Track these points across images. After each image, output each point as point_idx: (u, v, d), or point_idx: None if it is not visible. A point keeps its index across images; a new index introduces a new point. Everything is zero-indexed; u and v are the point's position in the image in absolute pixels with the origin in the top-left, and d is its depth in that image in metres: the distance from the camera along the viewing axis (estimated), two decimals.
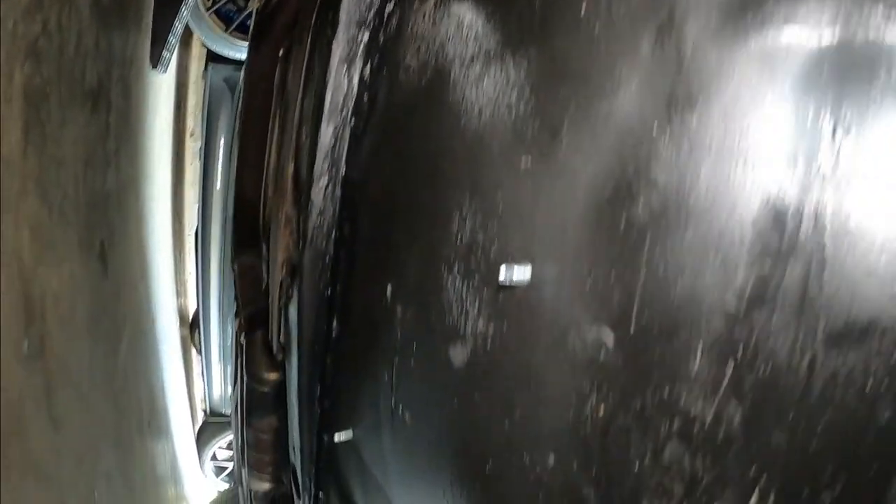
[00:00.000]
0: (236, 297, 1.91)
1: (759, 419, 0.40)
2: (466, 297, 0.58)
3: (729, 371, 0.42)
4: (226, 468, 3.39)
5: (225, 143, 3.04)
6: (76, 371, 1.44)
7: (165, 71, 2.63)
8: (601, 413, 0.46)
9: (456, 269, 0.59)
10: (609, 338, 0.46)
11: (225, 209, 2.68)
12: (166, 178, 3.12)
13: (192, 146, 3.74)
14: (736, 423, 0.41)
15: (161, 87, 2.85)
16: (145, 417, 2.15)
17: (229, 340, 2.79)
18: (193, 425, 3.50)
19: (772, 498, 0.39)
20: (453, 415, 0.60)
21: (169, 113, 3.18)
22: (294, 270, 1.14)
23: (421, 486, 0.71)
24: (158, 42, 2.33)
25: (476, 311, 0.56)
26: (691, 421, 0.42)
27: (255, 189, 1.81)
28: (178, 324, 3.53)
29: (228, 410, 2.96)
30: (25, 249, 1.19)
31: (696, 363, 0.42)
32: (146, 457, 2.11)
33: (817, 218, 0.37)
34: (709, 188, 0.42)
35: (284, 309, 1.20)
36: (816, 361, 0.37)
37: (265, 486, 1.63)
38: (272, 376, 1.50)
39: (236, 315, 1.93)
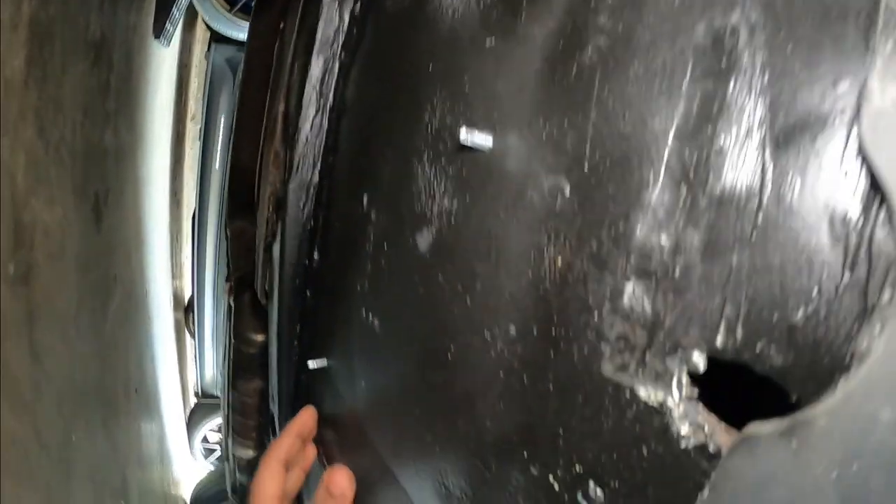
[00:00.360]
0: (228, 262, 1.92)
1: (717, 241, 0.40)
2: (434, 181, 0.59)
3: (683, 194, 0.42)
4: (215, 450, 3.38)
5: (225, 124, 3.07)
6: (62, 311, 1.45)
7: (168, 44, 2.66)
8: (559, 263, 0.46)
9: (425, 156, 0.60)
10: (565, 184, 0.47)
11: (223, 191, 2.71)
12: (165, 157, 3.14)
13: (193, 129, 3.77)
14: (694, 250, 0.41)
15: (163, 62, 2.88)
16: (133, 383, 2.15)
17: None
18: (185, 410, 3.50)
19: (739, 329, 0.39)
20: (417, 306, 0.61)
21: (170, 91, 3.20)
22: (279, 204, 1.16)
23: (388, 397, 0.72)
24: (162, 13, 2.36)
25: (442, 190, 0.58)
26: (648, 253, 0.43)
27: (252, 157, 1.82)
28: (173, 306, 3.53)
29: (220, 391, 2.97)
30: (19, 174, 1.21)
31: (649, 191, 0.43)
32: (132, 423, 2.11)
33: (753, 33, 0.39)
34: (652, 23, 0.44)
35: (269, 249, 1.22)
36: (766, 169, 0.38)
37: (249, 453, 1.63)
38: (259, 338, 1.52)
39: (227, 279, 1.94)
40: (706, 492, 0.39)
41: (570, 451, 0.47)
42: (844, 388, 0.32)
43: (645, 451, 0.43)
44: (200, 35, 3.65)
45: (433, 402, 0.62)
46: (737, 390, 0.43)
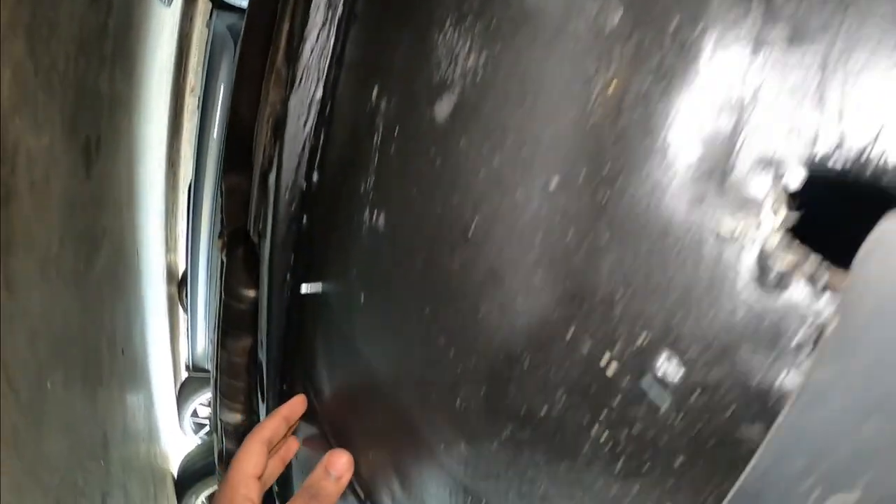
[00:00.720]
0: (221, 217, 1.84)
1: (804, 28, 0.34)
2: (457, 44, 0.51)
3: None
4: (205, 425, 3.30)
5: (225, 93, 2.98)
6: (42, 248, 1.36)
7: (169, 5, 2.59)
8: (612, 89, 0.38)
9: (448, 22, 0.52)
10: (617, 8, 0.39)
11: (219, 163, 2.63)
12: (163, 120, 3.06)
13: (192, 103, 3.70)
14: (781, 40, 0.34)
15: (164, 25, 2.80)
16: (119, 342, 2.06)
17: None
18: (175, 384, 3.42)
19: (844, 125, 0.32)
20: (433, 182, 0.52)
21: (170, 59, 3.13)
22: (278, 125, 1.08)
23: (391, 303, 0.63)
24: None
25: (466, 50, 0.49)
26: (725, 56, 0.35)
27: (251, 110, 1.75)
28: (167, 280, 3.45)
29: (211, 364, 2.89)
30: (5, 87, 1.12)
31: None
32: (115, 383, 2.02)
33: None
34: None
35: (265, 180, 1.13)
36: None
37: (237, 417, 1.54)
38: (251, 293, 1.43)
39: (220, 235, 1.86)
40: (828, 321, 0.31)
41: (632, 317, 0.39)
42: None
43: (733, 300, 0.35)
44: (202, 7, 3.57)
45: (448, 293, 0.52)
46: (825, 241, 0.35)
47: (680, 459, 0.38)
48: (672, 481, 0.39)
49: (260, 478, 0.68)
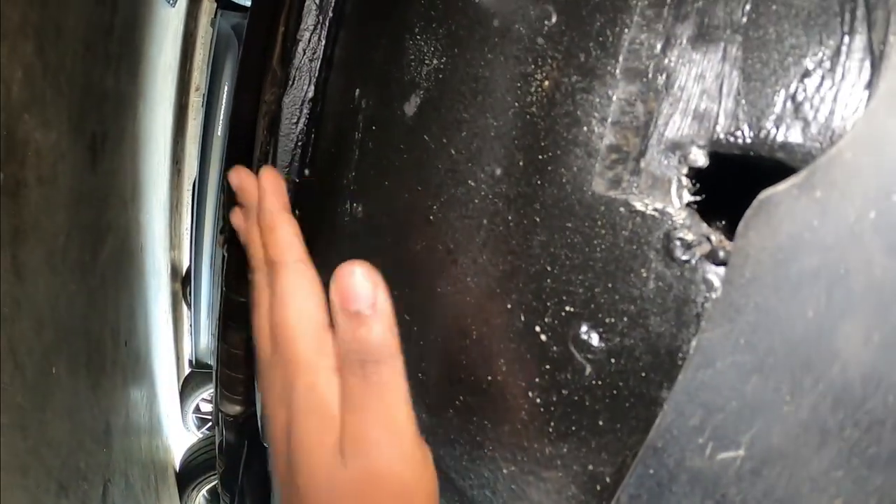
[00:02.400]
0: (224, 213, 1.89)
1: (708, 27, 0.38)
2: (424, 45, 0.56)
3: None
4: (207, 420, 3.35)
5: (229, 91, 3.03)
6: (50, 239, 1.42)
7: (174, 5, 2.64)
8: (546, 85, 0.43)
9: (417, 28, 0.57)
10: (551, 9, 0.44)
11: (223, 160, 2.68)
12: (168, 117, 3.11)
13: (197, 101, 3.75)
14: (686, 39, 0.39)
15: (169, 24, 2.85)
16: (122, 335, 2.12)
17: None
18: (179, 381, 3.47)
19: (741, 112, 0.36)
20: (401, 174, 0.57)
21: (175, 58, 3.18)
22: (273, 122, 1.13)
23: None
24: None
25: (431, 51, 0.54)
26: (638, 52, 0.40)
27: (253, 110, 1.80)
28: (171, 277, 3.51)
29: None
30: (15, 86, 1.17)
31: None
32: (119, 374, 2.07)
33: None
34: None
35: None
36: None
37: (236, 408, 1.59)
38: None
39: (221, 231, 1.91)
40: (719, 289, 0.35)
41: (558, 291, 0.43)
42: (867, 108, 0.28)
43: (644, 273, 0.40)
44: (207, 6, 3.63)
45: (412, 274, 0.57)
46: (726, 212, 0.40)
47: (602, 420, 0.42)
48: (596, 440, 0.43)
49: (330, 326, 0.43)
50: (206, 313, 3.29)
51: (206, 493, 2.93)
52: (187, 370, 3.50)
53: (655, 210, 0.39)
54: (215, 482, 2.72)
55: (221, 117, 3.05)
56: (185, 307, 3.61)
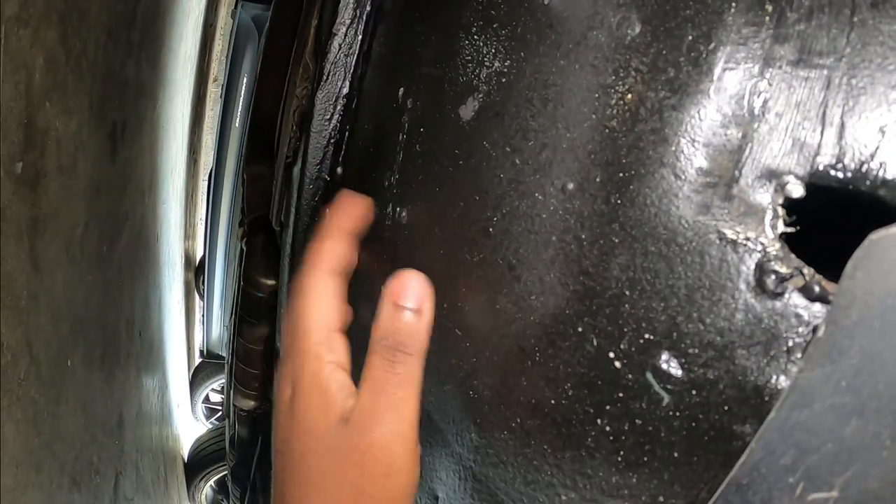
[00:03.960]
0: (242, 206, 1.87)
1: (810, 50, 0.36)
2: (484, 46, 0.53)
3: (769, 9, 0.37)
4: (217, 410, 3.35)
5: (248, 83, 3.01)
6: (68, 230, 1.40)
7: None
8: (629, 98, 0.40)
9: (474, 28, 0.54)
10: (635, 16, 0.41)
11: (240, 152, 2.67)
12: (186, 106, 3.10)
13: (215, 91, 3.74)
14: (786, 62, 0.36)
15: (190, 13, 2.84)
16: (136, 326, 2.10)
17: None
18: (189, 369, 3.47)
19: (846, 140, 0.34)
20: (456, 180, 0.54)
21: (194, 47, 3.17)
22: (304, 118, 1.10)
23: None
24: None
25: (492, 54, 0.52)
26: (734, 72, 0.38)
27: (275, 103, 1.78)
28: (184, 266, 3.50)
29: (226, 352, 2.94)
30: (37, 73, 1.16)
31: (732, 9, 0.38)
32: (132, 365, 2.06)
33: None
34: None
35: (289, 170, 1.16)
36: None
37: (250, 403, 1.57)
38: (269, 282, 1.46)
39: (240, 224, 1.89)
40: (812, 325, 0.33)
41: (637, 317, 0.41)
42: None
43: (732, 304, 0.37)
44: None
45: (466, 288, 0.54)
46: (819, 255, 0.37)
47: (677, 452, 0.40)
48: (669, 473, 0.41)
49: (343, 331, 0.49)
50: (219, 303, 3.28)
51: (213, 484, 2.93)
52: (198, 360, 3.49)
53: (747, 239, 0.36)
54: (223, 473, 2.72)
55: (239, 108, 3.04)
56: (197, 297, 3.61)
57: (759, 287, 0.36)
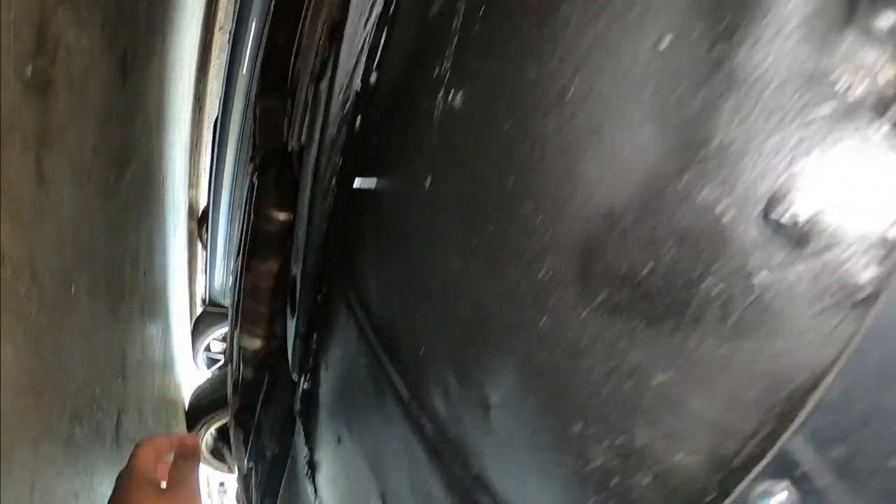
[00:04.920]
0: (254, 141, 1.81)
1: None
2: None
3: None
4: (218, 360, 3.32)
5: (256, 28, 2.93)
6: (74, 149, 1.34)
7: None
8: None
9: None
10: None
11: (247, 97, 2.61)
12: (193, 55, 3.03)
13: (220, 39, 3.66)
14: None
15: None
16: (142, 263, 2.05)
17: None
18: (191, 319, 3.44)
19: None
20: (532, 48, 0.49)
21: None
22: (334, 29, 1.04)
23: (472, 178, 0.59)
24: None
25: None
26: None
27: (289, 40, 1.71)
28: (187, 215, 3.45)
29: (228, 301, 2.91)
30: None
31: None
32: (137, 304, 2.01)
33: None
34: None
35: (316, 84, 1.10)
36: None
37: (256, 343, 1.52)
38: (281, 216, 1.41)
39: (252, 159, 1.84)
40: None
41: (752, 164, 0.35)
42: None
43: (853, 146, 0.32)
44: None
45: (539, 157, 0.48)
46: None
47: (799, 309, 0.35)
48: (791, 334, 0.35)
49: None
50: (222, 253, 3.24)
51: (213, 432, 2.90)
52: (200, 309, 3.46)
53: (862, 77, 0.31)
54: (224, 421, 2.69)
55: (247, 55, 2.96)
56: (200, 247, 3.57)
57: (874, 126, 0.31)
